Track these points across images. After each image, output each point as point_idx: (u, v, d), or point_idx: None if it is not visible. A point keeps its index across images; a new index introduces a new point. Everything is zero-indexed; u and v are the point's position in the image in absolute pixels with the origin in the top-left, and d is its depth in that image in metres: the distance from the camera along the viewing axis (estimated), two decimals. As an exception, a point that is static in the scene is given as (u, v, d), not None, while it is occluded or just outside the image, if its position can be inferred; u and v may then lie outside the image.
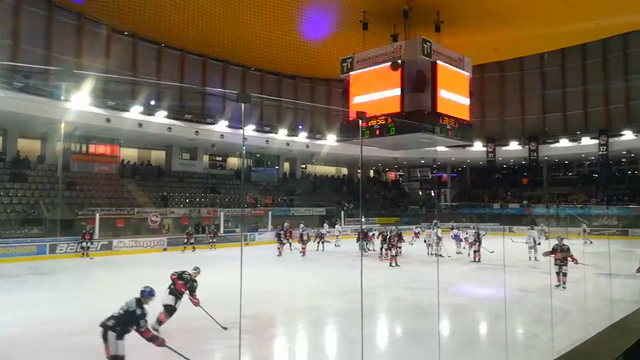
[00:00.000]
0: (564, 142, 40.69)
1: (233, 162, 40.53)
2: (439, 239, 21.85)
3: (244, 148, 34.95)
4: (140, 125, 28.93)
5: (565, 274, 12.91)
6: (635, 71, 38.39)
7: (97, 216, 24.46)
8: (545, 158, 42.47)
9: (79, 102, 25.46)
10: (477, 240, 19.70)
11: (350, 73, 24.20)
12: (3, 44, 26.22)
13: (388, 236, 19.78)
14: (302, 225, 27.83)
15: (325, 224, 30.82)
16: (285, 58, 35.20)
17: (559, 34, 32.42)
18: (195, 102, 35.23)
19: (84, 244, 22.04)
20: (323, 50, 32.28)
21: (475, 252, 19.66)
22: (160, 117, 30.36)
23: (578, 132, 40.47)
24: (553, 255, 13.04)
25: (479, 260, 19.26)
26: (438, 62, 22.14)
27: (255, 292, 12.82)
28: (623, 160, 41.11)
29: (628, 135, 36.87)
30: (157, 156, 35.91)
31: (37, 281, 15.45)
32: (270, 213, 32.36)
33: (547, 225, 26.01)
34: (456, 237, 23.30)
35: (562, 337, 7.77)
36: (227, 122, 33.22)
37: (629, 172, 41.94)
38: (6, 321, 9.68)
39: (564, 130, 41.91)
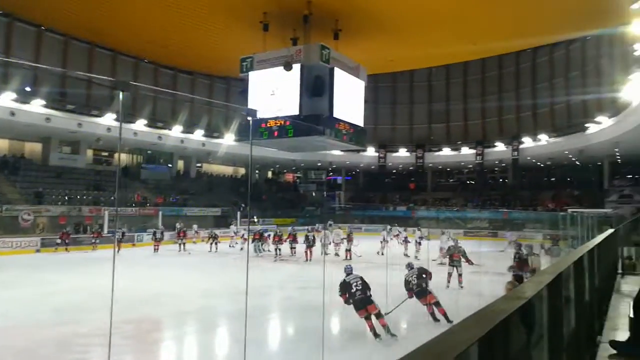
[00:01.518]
0: (446, 151, 44.22)
1: (121, 158, 37.92)
2: (342, 239, 22.83)
3: (121, 138, 32.66)
4: (12, 114, 25.91)
5: (461, 274, 13.94)
6: (508, 89, 43.03)
7: (-46, 213, 21.47)
8: (430, 165, 45.80)
9: None
10: (350, 239, 21.40)
11: (250, 73, 23.96)
12: None
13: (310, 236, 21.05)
14: (195, 226, 27.01)
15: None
16: (182, 53, 33.80)
17: (445, 52, 35.28)
18: (79, 90, 32.32)
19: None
20: (223, 48, 31.54)
21: (347, 250, 21.18)
22: (37, 105, 27.44)
23: (459, 142, 44.24)
24: (447, 258, 14.14)
25: (350, 258, 20.56)
26: (335, 68, 22.76)
27: (141, 295, 12.15)
28: (496, 169, 45.80)
29: (500, 146, 41.16)
30: (33, 149, 32.39)
31: None
32: (160, 213, 30.84)
33: (428, 228, 28.13)
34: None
35: (438, 332, 8.37)
36: (114, 115, 30.94)
37: (500, 180, 46.82)
38: None
39: (446, 140, 45.56)
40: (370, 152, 44.74)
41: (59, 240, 23.11)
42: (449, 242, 15.91)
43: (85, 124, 29.65)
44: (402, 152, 45.62)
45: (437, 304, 9.86)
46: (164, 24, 28.30)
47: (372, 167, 47.05)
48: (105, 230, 26.61)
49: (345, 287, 9.05)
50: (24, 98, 26.89)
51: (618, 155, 33.74)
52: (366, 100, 26.13)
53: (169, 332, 9.65)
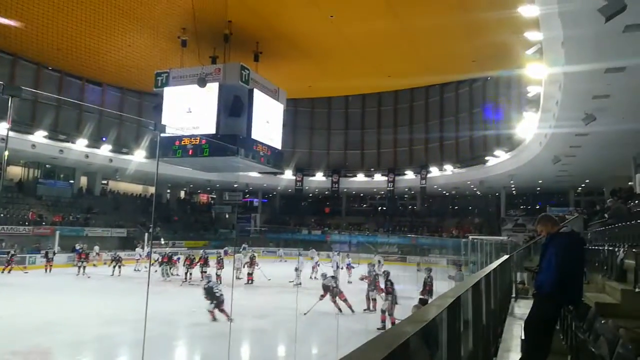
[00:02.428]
0: (360, 177, 45.64)
1: (15, 171, 34.48)
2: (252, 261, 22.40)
3: (6, 147, 30.15)
4: None
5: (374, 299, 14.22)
6: (418, 121, 45.63)
7: None
8: (345, 190, 46.93)
9: None
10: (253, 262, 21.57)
11: (165, 88, 23.18)
12: None
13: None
14: (97, 248, 25.21)
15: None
16: (91, 62, 31.87)
17: (361, 82, 36.84)
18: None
19: None
20: (137, 60, 30.25)
21: (248, 274, 21.13)
22: None
23: (372, 169, 45.89)
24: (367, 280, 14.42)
25: (251, 282, 20.74)
26: (255, 89, 22.75)
27: (32, 323, 11.00)
28: (405, 196, 48.00)
29: (410, 174, 43.29)
30: None
31: None
32: (58, 232, 28.37)
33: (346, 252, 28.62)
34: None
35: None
36: (7, 125, 28.12)
37: (409, 207, 49.09)
38: None
39: (361, 166, 47.07)
40: (288, 175, 44.92)
41: None
42: (379, 267, 16.23)
43: (-28, 132, 26.71)
44: (319, 177, 46.34)
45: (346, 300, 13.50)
46: (72, 28, 26.57)
47: (289, 190, 47.21)
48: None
49: (209, 292, 12.31)
50: None
51: (513, 187, 36.91)
52: (285, 123, 26.37)
53: (58, 364, 8.78)
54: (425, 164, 42.44)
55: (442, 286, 15.09)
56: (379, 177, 44.75)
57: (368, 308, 14.31)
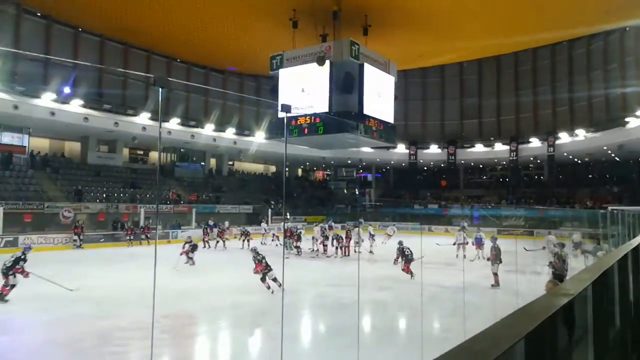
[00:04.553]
0: (479, 147, 43.32)
1: (155, 156, 38.82)
2: (372, 236, 23.12)
3: (167, 134, 33.52)
4: (52, 114, 26.90)
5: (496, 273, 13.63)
6: (543, 83, 41.80)
7: (1, 210, 22.43)
8: (462, 162, 44.99)
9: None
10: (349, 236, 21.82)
11: (280, 70, 24.09)
12: None
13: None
14: (227, 223, 27.39)
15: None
16: (213, 52, 34.32)
17: (477, 45, 34.54)
18: (115, 90, 33.30)
19: (-16, 240, 20.17)
20: (253, 46, 31.83)
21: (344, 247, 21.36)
22: (76, 105, 28.41)
23: (492, 138, 43.28)
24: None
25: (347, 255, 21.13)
26: (365, 64, 22.62)
27: (176, 290, 12.40)
28: (531, 165, 44.60)
29: (535, 142, 40.05)
30: (72, 147, 33.56)
31: None
32: (194, 210, 31.44)
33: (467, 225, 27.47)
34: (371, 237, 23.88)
35: (473, 330, 8.23)
36: (149, 115, 31.75)
37: (536, 177, 45.56)
38: None
39: (479, 136, 44.65)
40: (401, 149, 44.31)
41: (75, 237, 23.76)
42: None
43: (121, 123, 30.50)
44: (434, 149, 44.99)
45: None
46: (196, 23, 28.79)
47: (403, 164, 46.59)
48: (142, 223, 27.31)
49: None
50: (64, 98, 27.87)
51: (661, 150, 32.33)
52: (396, 96, 25.88)
53: (204, 327, 9.83)
54: (553, 129, 38.91)
55: (577, 262, 13.95)
56: (499, 147, 42.11)
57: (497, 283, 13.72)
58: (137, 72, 33.17)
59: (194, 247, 17.61)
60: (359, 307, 8.02)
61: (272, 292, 12.14)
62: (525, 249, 18.61)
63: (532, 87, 42.55)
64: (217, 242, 24.30)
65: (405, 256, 15.22)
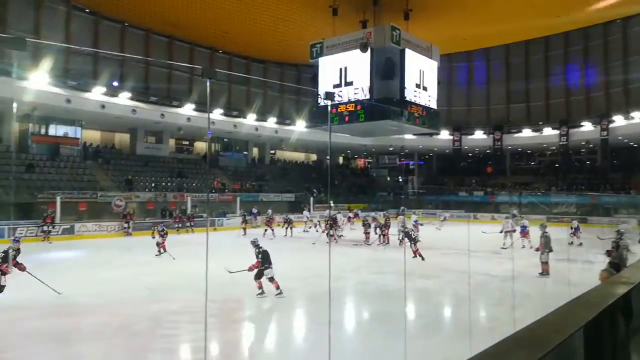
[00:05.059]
0: (526, 132, 41.85)
1: (200, 146, 39.86)
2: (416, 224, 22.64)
3: (210, 125, 34.33)
4: (102, 106, 28.06)
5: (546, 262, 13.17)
6: (595, 64, 39.74)
7: (58, 199, 23.67)
8: (509, 147, 43.61)
9: (37, 81, 24.43)
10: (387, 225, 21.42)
11: (320, 58, 24.03)
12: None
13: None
14: (270, 211, 27.80)
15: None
16: (254, 41, 34.63)
17: (524, 26, 33.14)
18: (160, 83, 34.31)
19: (44, 227, 21.37)
20: (293, 35, 31.90)
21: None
22: (124, 98, 29.49)
23: (540, 123, 41.68)
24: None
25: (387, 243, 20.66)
26: (407, 49, 22.20)
27: (223, 276, 12.74)
28: (582, 150, 42.68)
29: (587, 126, 38.26)
30: (121, 139, 34.92)
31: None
32: (238, 198, 32.11)
33: (518, 213, 26.62)
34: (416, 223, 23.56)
35: (523, 319, 8.06)
36: (193, 106, 32.58)
37: (588, 162, 43.58)
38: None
39: (527, 121, 43.09)
40: (444, 135, 43.45)
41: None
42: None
43: (167, 115, 31.45)
44: (479, 135, 43.83)
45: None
46: (237, 14, 29.12)
47: (446, 150, 45.67)
48: (189, 211, 28.20)
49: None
50: (112, 91, 29.00)
51: None
52: (439, 81, 25.31)
53: (251, 312, 10.07)
54: (607, 112, 37.02)
55: (635, 250, 13.33)
56: (548, 131, 40.54)
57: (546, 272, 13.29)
58: (182, 64, 34.05)
59: (163, 235, 17.03)
60: (405, 294, 7.99)
61: (262, 294, 10.62)
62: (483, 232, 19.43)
63: (583, 68, 40.55)
64: (266, 230, 24.27)
65: (412, 239, 15.70)
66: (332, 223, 23.47)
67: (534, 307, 9.68)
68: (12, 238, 10.24)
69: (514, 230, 19.75)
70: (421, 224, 22.80)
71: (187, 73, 35.36)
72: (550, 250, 13.21)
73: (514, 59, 44.29)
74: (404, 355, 6.15)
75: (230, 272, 10.22)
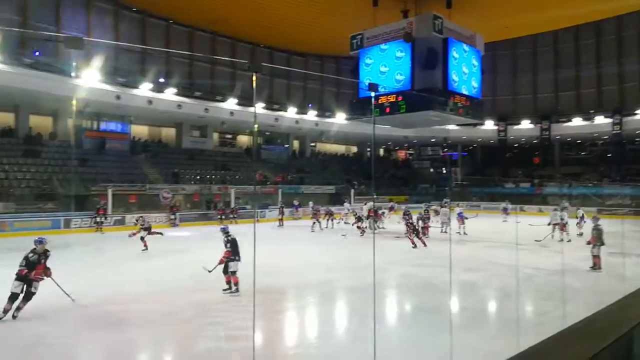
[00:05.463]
0: (577, 121, 40.14)
1: (243, 139, 40.57)
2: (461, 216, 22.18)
3: (255, 118, 34.88)
4: (150, 102, 29.03)
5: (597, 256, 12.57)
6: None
7: (110, 192, 24.72)
8: (558, 137, 41.98)
9: (89, 79, 25.53)
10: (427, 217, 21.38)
11: (360, 50, 23.87)
12: (12, 20, 26.20)
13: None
14: (311, 203, 27.99)
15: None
16: (295, 35, 34.80)
17: (574, 12, 31.65)
18: (204, 79, 35.14)
19: (97, 219, 22.41)
20: (333, 27, 31.79)
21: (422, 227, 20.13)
22: (170, 94, 30.39)
23: (591, 111, 39.85)
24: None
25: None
26: (449, 38, 21.72)
27: (266, 267, 12.96)
28: (637, 139, 40.54)
29: (642, 114, 36.30)
30: (168, 133, 36.04)
31: (51, 255, 15.72)
32: (280, 191, 32.51)
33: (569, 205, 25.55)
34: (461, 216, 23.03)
35: (573, 314, 7.80)
36: (236, 100, 33.17)
37: (643, 152, 41.36)
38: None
39: (577, 109, 41.30)
40: (489, 125, 42.28)
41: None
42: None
43: (211, 109, 32.17)
44: (525, 124, 42.38)
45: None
46: (277, 8, 29.31)
47: (491, 141, 44.45)
48: (232, 203, 28.84)
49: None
50: (159, 87, 29.95)
51: None
52: (484, 70, 24.63)
53: (293, 302, 10.23)
54: (665, 99, 34.93)
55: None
56: (600, 120, 38.73)
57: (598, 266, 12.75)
58: (226, 58, 34.73)
59: (147, 229, 16.47)
60: (450, 287, 7.90)
61: (230, 291, 9.97)
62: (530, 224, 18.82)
63: (638, 54, 38.36)
64: (314, 223, 23.73)
65: (415, 229, 16.52)
66: (374, 215, 23.37)
67: (585, 301, 9.34)
68: (36, 239, 8.59)
69: (565, 223, 18.99)
70: (466, 218, 22.11)
71: (230, 68, 35.99)
72: (602, 244, 12.66)
73: (563, 46, 42.44)
74: (449, 349, 6.10)
75: (209, 271, 10.22)
